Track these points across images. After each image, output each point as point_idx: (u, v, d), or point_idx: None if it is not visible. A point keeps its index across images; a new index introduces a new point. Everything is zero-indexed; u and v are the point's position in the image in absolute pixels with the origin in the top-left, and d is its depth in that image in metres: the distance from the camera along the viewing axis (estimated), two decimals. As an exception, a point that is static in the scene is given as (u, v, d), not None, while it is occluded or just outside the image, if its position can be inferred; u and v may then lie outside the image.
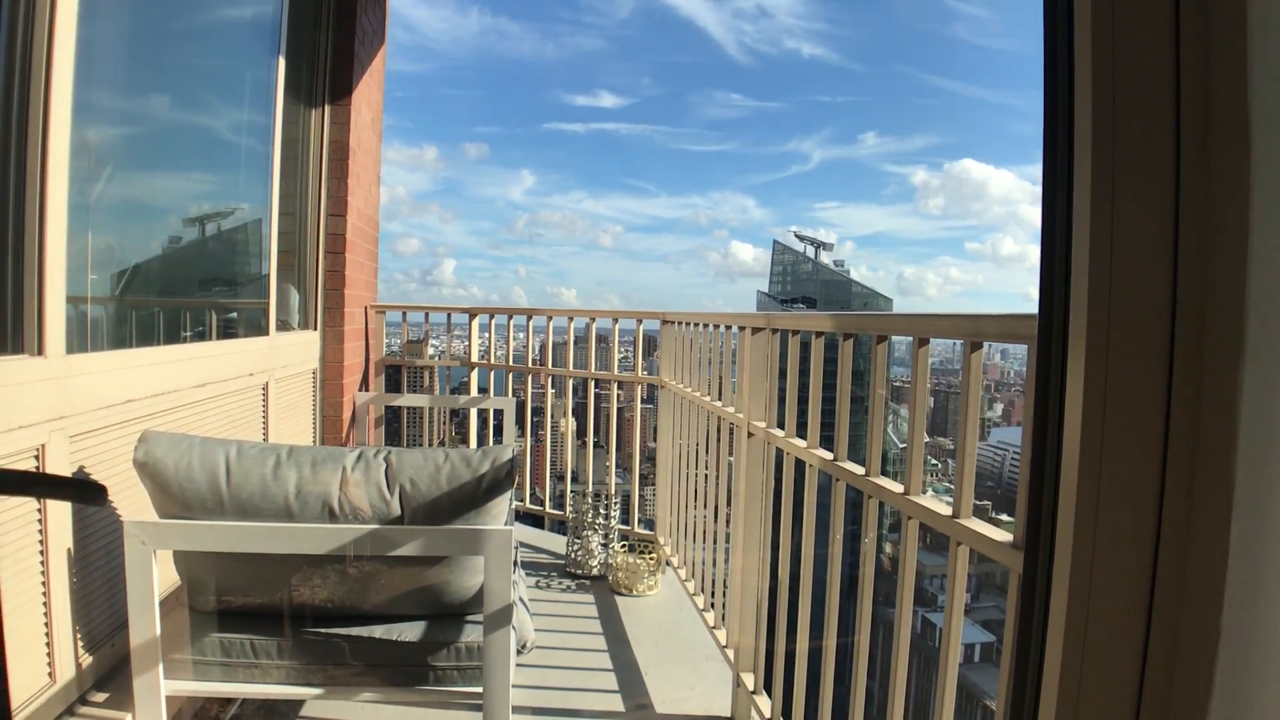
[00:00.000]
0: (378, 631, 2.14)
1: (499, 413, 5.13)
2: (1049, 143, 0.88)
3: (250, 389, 3.54)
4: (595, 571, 4.30)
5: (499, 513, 2.09)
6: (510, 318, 5.25)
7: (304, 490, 2.00)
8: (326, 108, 4.56)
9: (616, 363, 4.85)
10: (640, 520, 4.95)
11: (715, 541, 3.52)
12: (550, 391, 5.11)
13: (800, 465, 2.45)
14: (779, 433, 2.64)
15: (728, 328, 3.33)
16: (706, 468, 3.68)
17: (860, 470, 2.02)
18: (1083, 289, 0.84)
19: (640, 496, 5.07)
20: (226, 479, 1.99)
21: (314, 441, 4.56)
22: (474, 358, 5.34)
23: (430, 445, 5.42)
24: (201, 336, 3.47)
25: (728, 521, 3.28)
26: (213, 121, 3.60)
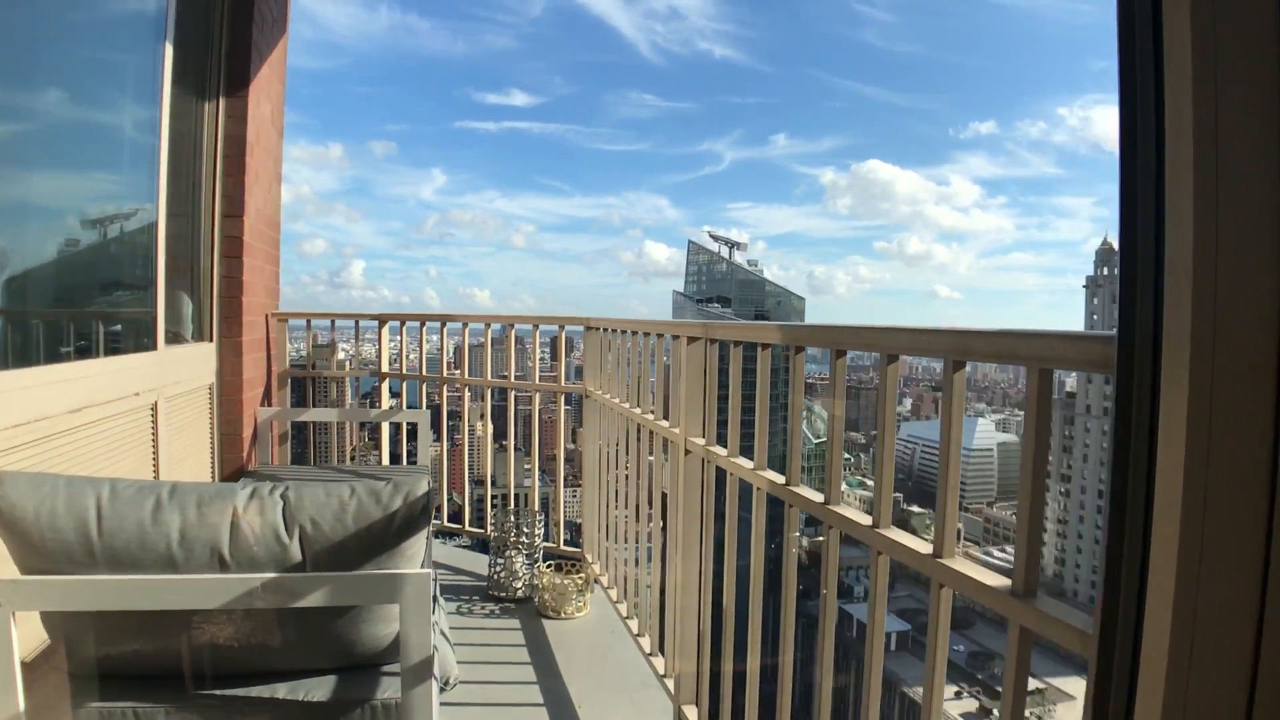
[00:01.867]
0: (281, 691, 1.89)
1: (414, 424, 4.85)
2: (1127, 143, 0.71)
3: (137, 410, 3.22)
4: (520, 593, 4.08)
5: (414, 553, 1.87)
6: (423, 324, 4.97)
7: (189, 535, 1.75)
8: (221, 100, 4.22)
9: (537, 370, 4.64)
10: (565, 528, 4.76)
11: (650, 561, 3.34)
12: (467, 395, 4.87)
13: (744, 486, 2.29)
14: (719, 450, 2.48)
15: (659, 336, 3.16)
16: (638, 484, 3.51)
17: (818, 497, 1.87)
18: (1184, 306, 0.66)
19: (563, 501, 4.86)
20: (98, 526, 1.72)
21: (212, 464, 4.23)
22: (385, 366, 5.05)
23: (341, 461, 5.12)
24: (82, 353, 3.13)
25: (664, 544, 3.11)
26: (87, 114, 3.26)
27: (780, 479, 2.06)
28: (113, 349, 3.35)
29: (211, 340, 4.23)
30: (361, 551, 1.81)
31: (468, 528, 4.86)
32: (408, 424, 4.88)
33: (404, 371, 4.99)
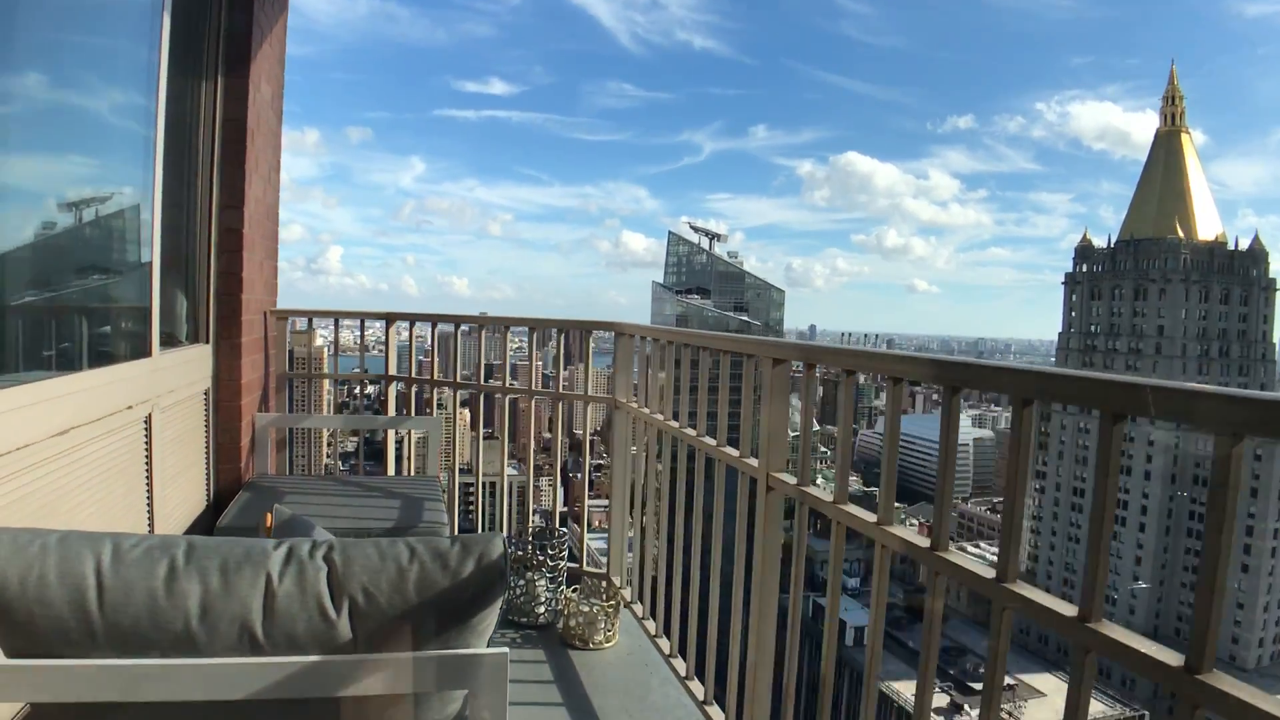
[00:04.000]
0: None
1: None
2: None
3: (129, 425, 2.87)
4: (542, 619, 3.76)
5: (486, 627, 1.55)
6: (434, 325, 4.62)
7: (212, 610, 1.41)
8: (220, 80, 3.85)
9: (561, 373, 4.32)
10: (538, 515, 4.44)
11: (708, 599, 3.03)
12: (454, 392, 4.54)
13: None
14: (819, 494, 2.18)
15: (724, 354, 2.85)
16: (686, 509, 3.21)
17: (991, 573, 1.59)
18: None
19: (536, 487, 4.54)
20: (99, 598, 1.39)
21: (207, 477, 3.87)
22: (392, 369, 4.71)
23: (328, 471, 4.78)
24: (66, 364, 2.77)
25: (722, 574, 2.81)
26: (70, 89, 2.89)
27: (923, 541, 1.77)
28: (102, 357, 3.00)
29: (208, 342, 3.88)
30: (425, 628, 1.49)
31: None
32: (418, 434, 4.55)
33: (413, 375, 4.64)
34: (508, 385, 4.26)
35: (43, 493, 2.22)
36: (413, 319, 4.65)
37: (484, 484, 4.70)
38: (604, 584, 4.04)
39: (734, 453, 2.72)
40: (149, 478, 3.08)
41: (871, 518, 1.94)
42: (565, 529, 4.08)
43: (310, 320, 4.74)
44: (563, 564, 3.89)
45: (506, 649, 1.49)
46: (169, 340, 3.52)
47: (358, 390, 5.31)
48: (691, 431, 3.12)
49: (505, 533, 4.23)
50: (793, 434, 2.72)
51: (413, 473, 4.70)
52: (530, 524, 4.12)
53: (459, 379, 4.50)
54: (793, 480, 2.32)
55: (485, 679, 1.46)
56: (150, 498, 3.09)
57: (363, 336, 4.75)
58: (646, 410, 3.59)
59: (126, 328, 3.22)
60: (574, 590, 3.89)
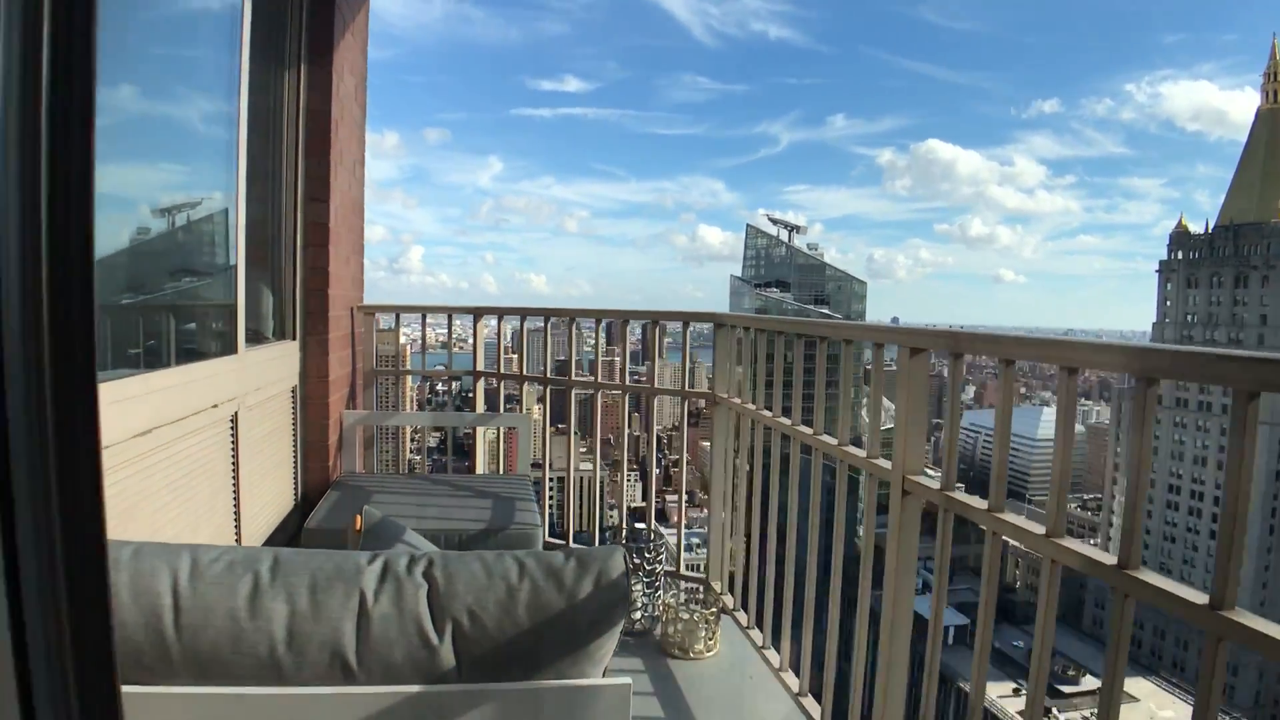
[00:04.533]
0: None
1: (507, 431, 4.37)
2: None
3: (215, 424, 2.77)
4: (639, 626, 3.56)
5: (604, 655, 1.35)
6: (523, 318, 4.47)
7: (300, 633, 1.25)
8: (303, 70, 3.75)
9: (656, 366, 4.11)
10: (628, 514, 4.23)
11: (826, 610, 2.80)
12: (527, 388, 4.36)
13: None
14: (972, 500, 1.92)
15: (845, 343, 2.60)
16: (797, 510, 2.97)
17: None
18: None
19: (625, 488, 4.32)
20: (175, 620, 1.23)
21: (295, 477, 3.78)
22: (479, 364, 4.57)
23: (413, 468, 4.65)
24: (151, 362, 2.67)
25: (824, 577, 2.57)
26: (155, 89, 2.80)
27: (1108, 559, 1.50)
28: (187, 354, 2.90)
29: (294, 338, 3.79)
30: (537, 654, 1.29)
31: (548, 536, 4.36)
32: (505, 429, 4.41)
33: (501, 370, 4.49)
34: (599, 381, 4.08)
35: (125, 496, 2.11)
36: (500, 313, 4.50)
37: (558, 478, 4.52)
38: (703, 590, 3.83)
39: (859, 453, 2.47)
40: (235, 477, 2.98)
41: (1037, 528, 1.71)
42: (658, 527, 3.88)
43: (397, 316, 4.63)
44: (660, 567, 3.69)
45: (629, 680, 1.29)
46: (255, 337, 3.43)
47: (440, 387, 5.22)
48: (806, 429, 2.88)
49: (618, 541, 4.06)
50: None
51: (501, 470, 4.57)
52: (622, 523, 3.93)
53: (548, 374, 4.33)
54: (934, 484, 2.07)
55: (604, 712, 1.26)
56: (237, 498, 2.99)
57: (450, 332, 4.62)
58: (752, 406, 3.36)
59: (212, 326, 3.13)
60: (672, 595, 3.69)
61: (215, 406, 2.75)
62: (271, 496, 3.47)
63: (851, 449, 2.53)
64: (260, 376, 3.26)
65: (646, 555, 3.64)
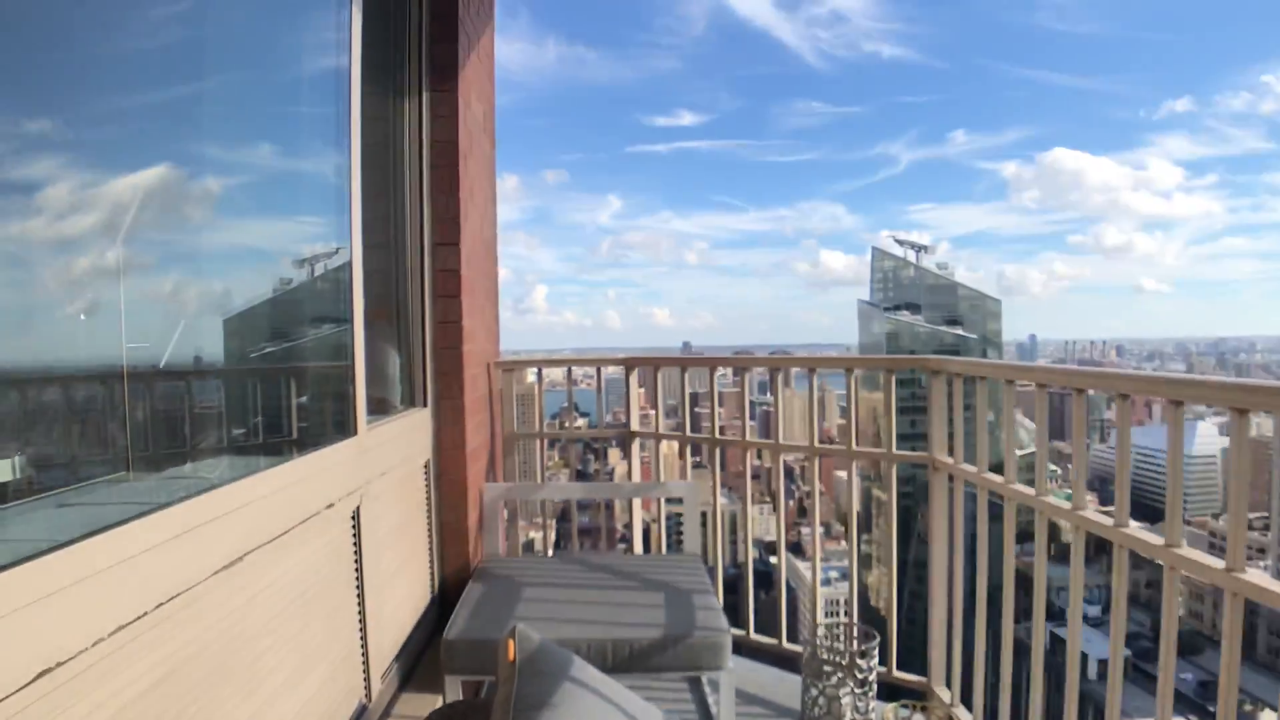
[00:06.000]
0: None
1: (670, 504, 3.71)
2: None
3: (331, 527, 2.21)
4: (852, 754, 2.83)
5: None
6: (684, 370, 3.80)
7: None
8: (424, 95, 3.25)
9: (855, 425, 3.39)
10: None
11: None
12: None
13: None
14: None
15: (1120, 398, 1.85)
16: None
17: None
18: None
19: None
20: None
21: (431, 570, 3.24)
22: (634, 424, 3.95)
23: (562, 539, 4.04)
24: (240, 461, 2.14)
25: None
26: (255, 119, 2.31)
27: None
28: (292, 447, 2.36)
29: (426, 405, 3.26)
30: None
31: (777, 638, 3.64)
32: (667, 501, 3.76)
33: (659, 430, 3.85)
34: (780, 443, 3.40)
35: (210, 652, 1.56)
36: (657, 363, 3.88)
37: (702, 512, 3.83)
38: (924, 700, 3.07)
39: (1156, 540, 1.74)
40: (360, 587, 2.43)
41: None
42: (865, 626, 3.13)
43: (540, 371, 4.08)
44: (873, 676, 2.95)
45: None
46: (380, 407, 2.91)
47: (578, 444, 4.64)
48: (1064, 504, 2.14)
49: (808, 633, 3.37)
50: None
51: (664, 548, 3.90)
52: (840, 617, 3.20)
53: (716, 433, 3.66)
54: (1219, 563, 1.36)
55: None
56: (362, 612, 2.44)
57: (599, 382, 4.02)
58: (997, 477, 2.60)
59: (324, 405, 2.61)
60: (891, 708, 2.95)
61: (330, 506, 2.20)
62: (403, 597, 2.93)
63: (1141, 534, 1.79)
64: (387, 457, 2.73)
65: (857, 657, 2.91)
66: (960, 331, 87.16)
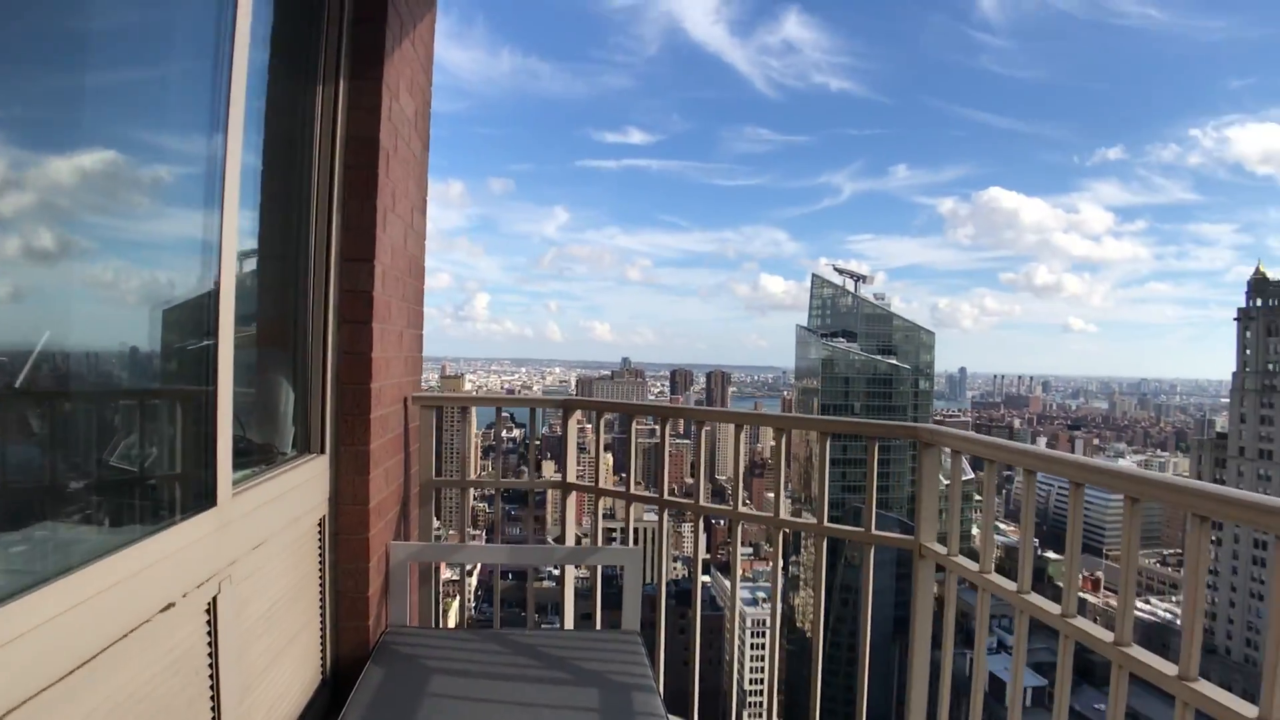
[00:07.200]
0: None
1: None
2: None
3: (176, 629, 1.67)
4: None
5: None
6: (634, 418, 3.30)
7: None
8: (342, 83, 2.73)
9: (825, 496, 2.94)
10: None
11: None
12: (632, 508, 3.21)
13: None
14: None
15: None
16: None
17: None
18: None
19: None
20: None
21: (322, 647, 2.69)
22: (571, 475, 3.44)
23: (480, 614, 3.52)
24: (56, 556, 1.54)
25: None
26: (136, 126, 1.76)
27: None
28: (107, 534, 1.77)
29: (324, 451, 2.71)
30: None
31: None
32: (604, 568, 3.26)
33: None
34: (738, 510, 2.94)
35: None
36: (600, 408, 3.38)
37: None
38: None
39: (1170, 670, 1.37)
40: (215, 695, 1.88)
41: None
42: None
43: (468, 410, 3.56)
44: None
45: None
46: (261, 456, 2.38)
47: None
48: (1106, 635, 1.73)
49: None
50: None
51: (599, 619, 3.38)
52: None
53: (665, 494, 3.18)
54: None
55: None
56: (217, 709, 1.89)
57: (532, 426, 3.52)
58: (1009, 583, 2.16)
59: (167, 469, 2.01)
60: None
61: (170, 607, 1.66)
62: (286, 684, 2.39)
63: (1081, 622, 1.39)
64: (266, 524, 2.19)
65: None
66: (894, 361, 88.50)
